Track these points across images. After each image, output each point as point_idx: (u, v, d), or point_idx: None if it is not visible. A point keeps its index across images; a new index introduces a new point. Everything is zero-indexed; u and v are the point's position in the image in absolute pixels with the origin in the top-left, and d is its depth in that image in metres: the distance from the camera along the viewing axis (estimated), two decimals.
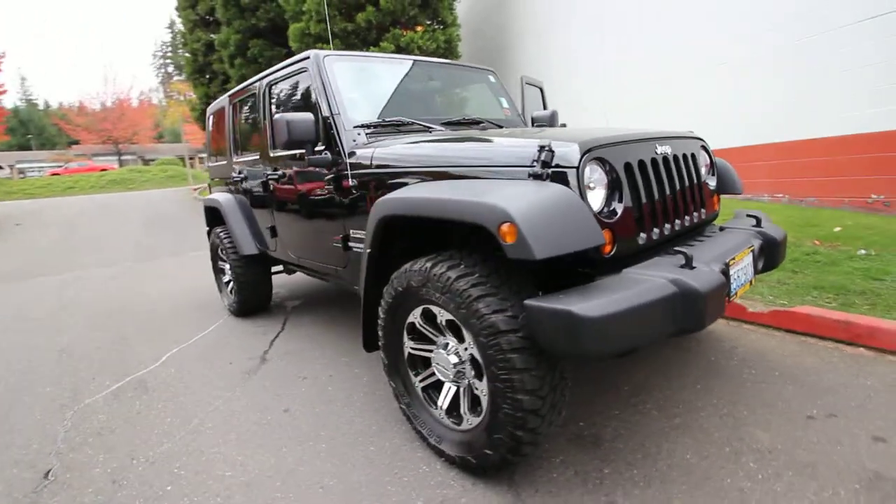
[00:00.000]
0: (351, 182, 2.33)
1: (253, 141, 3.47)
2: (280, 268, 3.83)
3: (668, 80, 6.79)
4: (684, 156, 1.98)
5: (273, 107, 3.06)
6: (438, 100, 3.16)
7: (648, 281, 1.43)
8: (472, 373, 1.69)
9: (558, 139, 1.61)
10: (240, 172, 3.65)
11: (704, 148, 2.22)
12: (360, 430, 2.16)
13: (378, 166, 2.20)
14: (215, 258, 4.32)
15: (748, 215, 2.21)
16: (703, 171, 2.13)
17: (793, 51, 5.33)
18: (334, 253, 2.63)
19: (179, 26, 14.51)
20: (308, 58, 2.60)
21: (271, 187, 3.14)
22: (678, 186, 1.89)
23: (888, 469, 1.60)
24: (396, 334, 1.95)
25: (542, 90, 3.72)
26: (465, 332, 1.63)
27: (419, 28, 9.02)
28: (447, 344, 1.76)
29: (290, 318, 3.93)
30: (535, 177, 1.58)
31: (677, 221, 1.88)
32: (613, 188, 1.64)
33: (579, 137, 1.62)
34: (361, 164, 2.29)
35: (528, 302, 1.39)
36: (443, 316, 1.71)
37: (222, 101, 3.99)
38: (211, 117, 4.37)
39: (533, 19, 9.47)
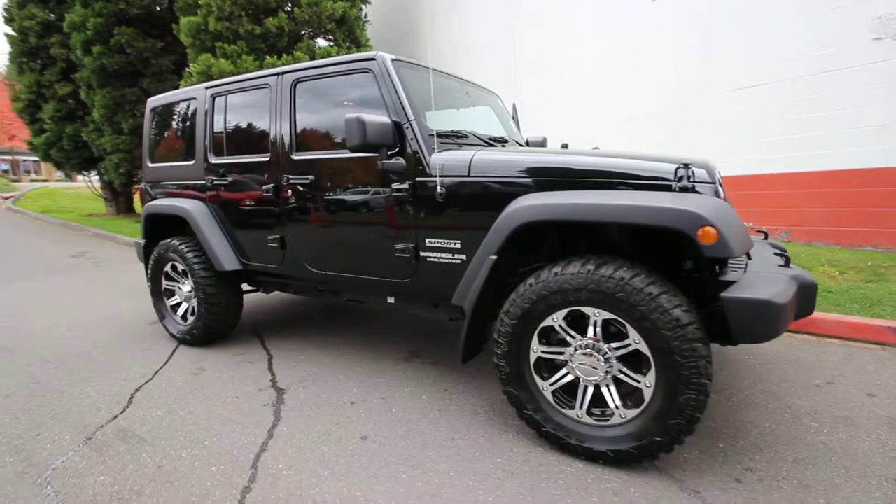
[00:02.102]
0: (440, 189, 2.27)
1: (250, 142, 3.06)
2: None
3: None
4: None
5: (296, 105, 2.78)
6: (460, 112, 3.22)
7: (783, 277, 1.76)
8: (618, 368, 1.82)
9: (682, 160, 1.88)
10: (222, 176, 3.15)
11: None
12: (468, 445, 2.07)
13: (479, 174, 2.20)
14: (158, 277, 3.58)
15: (776, 253, 2.33)
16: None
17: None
18: (395, 264, 2.49)
19: None
20: (373, 59, 2.46)
21: (289, 194, 2.81)
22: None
23: (887, 411, 2.19)
24: (525, 340, 1.96)
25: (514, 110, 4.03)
26: (630, 329, 1.75)
27: (331, 45, 8.81)
28: (589, 344, 1.85)
29: (268, 342, 3.46)
30: (684, 189, 1.82)
31: None
32: None
33: (697, 159, 1.91)
34: (454, 172, 2.25)
35: (725, 294, 1.59)
36: (598, 316, 1.81)
37: (189, 93, 3.42)
38: (156, 111, 3.68)
39: (435, 50, 10.00)
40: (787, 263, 1.98)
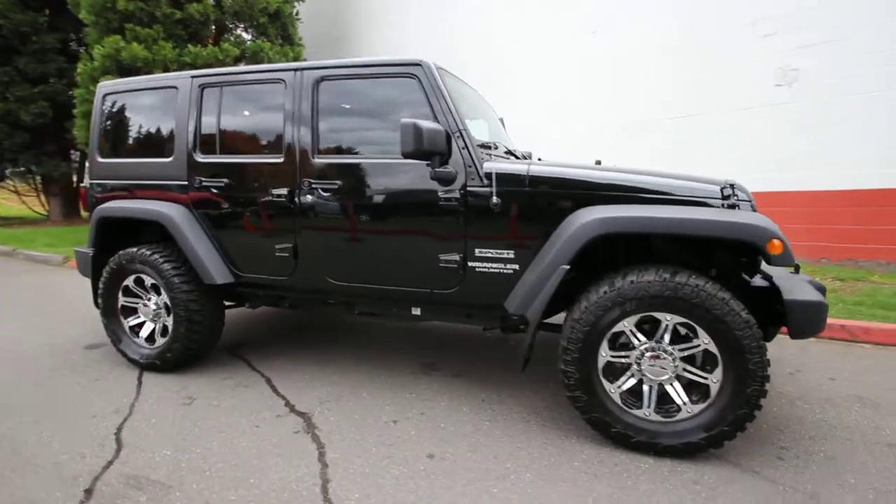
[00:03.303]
0: (494, 199, 2.28)
1: (254, 141, 2.76)
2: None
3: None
4: None
5: (319, 105, 2.58)
6: None
7: (806, 282, 2.09)
8: (682, 368, 2.00)
9: (727, 180, 2.15)
10: (212, 177, 2.80)
11: None
12: (538, 452, 2.09)
13: (537, 186, 2.26)
14: (113, 293, 3.04)
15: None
16: None
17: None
18: (438, 274, 2.43)
19: None
20: (418, 65, 2.39)
21: (308, 200, 2.59)
22: None
23: (850, 390, 2.67)
24: (596, 346, 2.06)
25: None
26: (700, 331, 1.93)
27: (262, 40, 8.24)
28: (654, 346, 2.01)
29: (254, 363, 3.12)
30: (732, 206, 2.07)
31: None
32: None
33: (733, 180, 2.20)
34: (510, 182, 2.28)
35: (788, 298, 1.84)
36: (671, 321, 1.97)
37: (164, 80, 2.98)
38: (110, 98, 3.15)
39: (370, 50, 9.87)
40: (797, 271, 2.34)
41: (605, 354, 2.07)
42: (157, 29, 7.27)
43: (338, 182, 2.54)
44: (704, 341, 1.94)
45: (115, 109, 3.17)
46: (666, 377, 2.02)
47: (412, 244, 2.47)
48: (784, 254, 1.82)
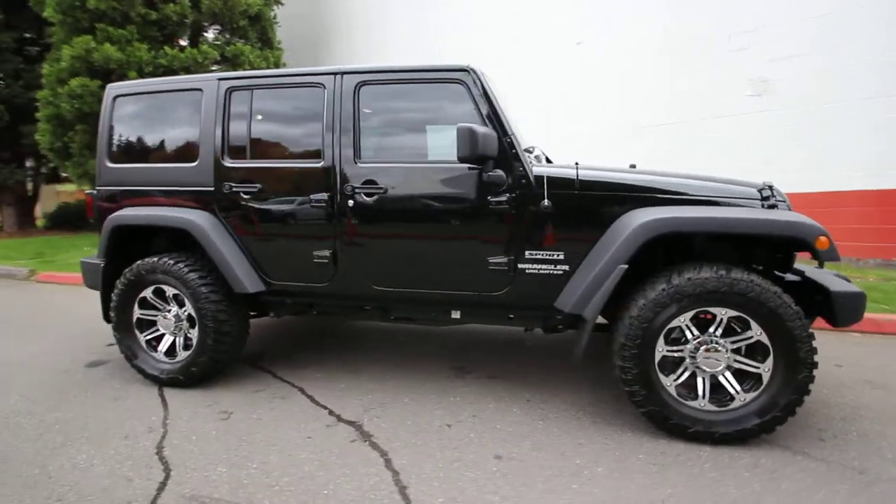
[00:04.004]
0: (546, 202, 2.34)
1: (289, 146, 2.70)
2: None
3: None
4: None
5: (360, 110, 2.56)
6: None
7: (835, 276, 2.26)
8: (734, 359, 2.12)
9: (765, 182, 2.31)
10: (243, 183, 2.71)
11: None
12: (600, 447, 2.15)
13: (587, 189, 2.34)
14: (128, 306, 2.88)
15: None
16: None
17: None
18: (487, 277, 2.45)
19: None
20: (466, 70, 2.42)
21: (351, 205, 2.55)
22: None
23: (860, 375, 2.90)
24: (653, 341, 2.14)
25: None
26: (753, 324, 2.05)
27: (242, 43, 8.03)
28: (707, 340, 2.12)
29: (281, 373, 3.03)
30: (771, 206, 2.22)
31: None
32: None
33: (770, 182, 2.36)
34: (560, 186, 2.35)
35: (834, 290, 1.99)
36: (725, 314, 2.08)
37: (186, 83, 2.87)
38: (121, 101, 2.99)
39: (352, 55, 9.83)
40: (821, 265, 2.52)
41: (661, 349, 2.16)
42: (130, 30, 6.94)
43: (383, 187, 2.52)
44: (757, 333, 2.06)
45: (127, 112, 3.01)
46: (719, 368, 2.13)
47: (461, 248, 2.49)
48: (830, 249, 1.97)
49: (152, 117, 2.98)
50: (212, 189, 2.77)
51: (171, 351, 2.90)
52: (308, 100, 2.66)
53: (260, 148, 2.75)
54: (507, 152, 2.37)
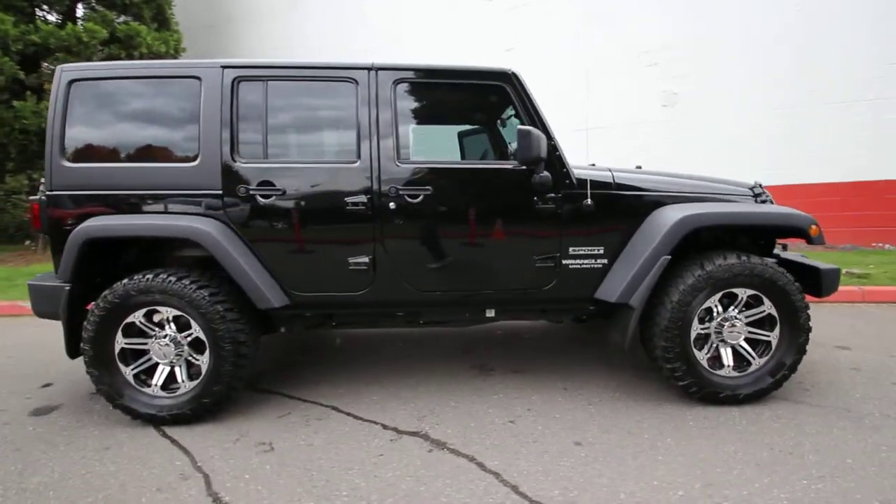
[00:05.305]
0: (588, 202, 2.50)
1: (316, 143, 2.47)
2: None
3: None
4: None
5: (398, 108, 2.45)
6: None
7: (802, 257, 2.80)
8: (747, 331, 2.51)
9: (752, 182, 2.76)
10: (261, 186, 2.41)
11: None
12: (658, 423, 2.37)
13: (622, 189, 2.55)
14: (108, 336, 2.38)
15: None
16: None
17: None
18: (533, 274, 2.54)
19: None
20: (507, 73, 2.46)
21: (392, 207, 2.44)
22: None
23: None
24: (690, 322, 2.43)
25: None
26: (765, 300, 2.44)
27: (137, 23, 6.92)
28: (730, 316, 2.48)
29: (289, 391, 2.78)
30: (763, 201, 2.66)
31: None
32: None
33: (760, 180, 2.82)
34: (601, 185, 2.53)
35: (821, 266, 2.47)
36: (745, 294, 2.44)
37: (176, 68, 2.44)
38: (82, 88, 2.45)
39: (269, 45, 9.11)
40: (784, 248, 3.08)
41: (695, 328, 2.47)
42: None
43: (428, 187, 2.45)
44: (768, 307, 2.47)
45: (87, 100, 2.47)
46: (740, 340, 2.51)
47: (509, 247, 2.54)
48: (819, 236, 2.45)
49: (125, 107, 2.50)
50: (219, 192, 2.42)
51: (167, 383, 2.47)
52: (337, 95, 2.47)
53: (278, 146, 2.48)
54: (552, 154, 2.48)
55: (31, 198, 2.52)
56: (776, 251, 2.92)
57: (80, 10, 7.05)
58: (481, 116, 2.56)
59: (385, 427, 2.40)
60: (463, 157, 3.42)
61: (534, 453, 2.13)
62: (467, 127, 3.39)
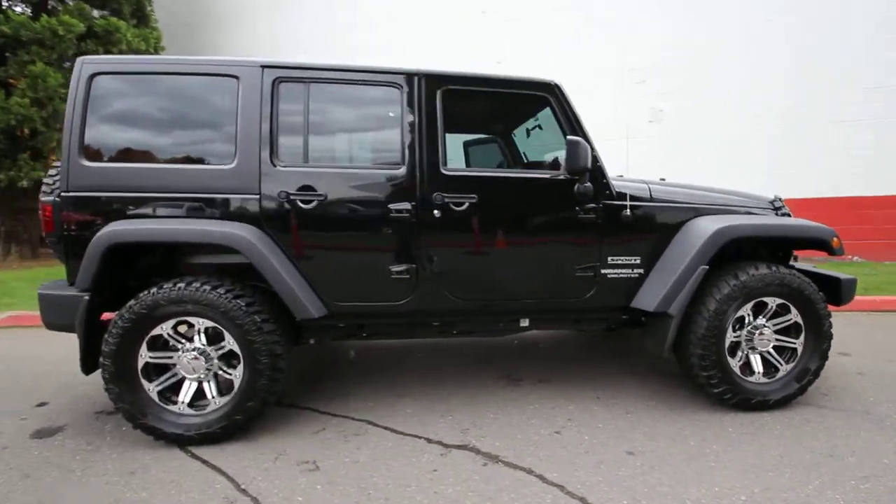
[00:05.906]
0: (627, 213, 2.54)
1: (359, 148, 2.39)
2: None
3: None
4: None
5: (443, 117, 2.42)
6: None
7: (814, 268, 2.96)
8: (775, 338, 2.62)
9: (771, 195, 2.90)
10: (302, 191, 2.32)
11: None
12: (700, 429, 2.41)
13: (657, 201, 2.62)
14: (132, 349, 2.21)
15: None
16: None
17: None
18: (574, 283, 2.55)
19: None
20: (551, 85, 2.48)
21: (437, 215, 2.39)
22: None
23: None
24: (724, 331, 2.50)
25: None
26: (793, 309, 2.55)
27: (115, 18, 6.58)
28: (762, 324, 2.58)
29: (317, 405, 2.67)
30: (784, 214, 2.80)
31: None
32: None
33: (779, 194, 2.96)
34: (639, 198, 2.58)
35: (841, 277, 2.61)
36: (774, 302, 2.54)
37: (212, 66, 2.32)
38: (106, 83, 2.29)
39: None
40: (795, 260, 3.24)
41: (729, 336, 2.55)
42: None
43: (473, 196, 2.43)
44: (794, 315, 2.58)
45: (110, 96, 2.31)
46: (768, 347, 2.60)
47: (552, 257, 2.55)
48: (840, 247, 2.59)
49: (153, 105, 2.35)
50: (255, 196, 2.31)
51: (194, 400, 2.31)
52: (380, 100, 2.42)
53: (320, 150, 2.40)
54: (594, 165, 2.52)
55: (44, 199, 2.31)
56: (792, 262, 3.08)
57: (50, 2, 6.64)
58: (523, 123, 2.57)
59: (429, 441, 2.33)
60: (468, 165, 3.45)
61: (590, 464, 2.12)
62: (473, 136, 3.44)
